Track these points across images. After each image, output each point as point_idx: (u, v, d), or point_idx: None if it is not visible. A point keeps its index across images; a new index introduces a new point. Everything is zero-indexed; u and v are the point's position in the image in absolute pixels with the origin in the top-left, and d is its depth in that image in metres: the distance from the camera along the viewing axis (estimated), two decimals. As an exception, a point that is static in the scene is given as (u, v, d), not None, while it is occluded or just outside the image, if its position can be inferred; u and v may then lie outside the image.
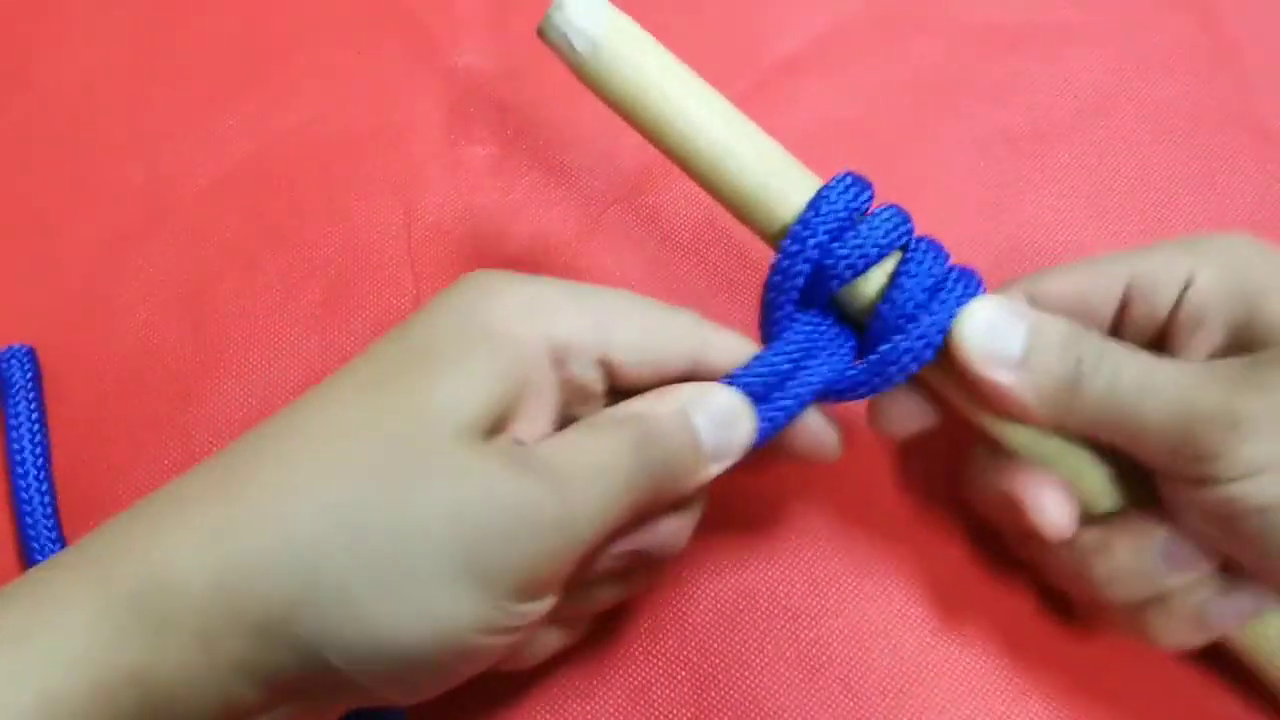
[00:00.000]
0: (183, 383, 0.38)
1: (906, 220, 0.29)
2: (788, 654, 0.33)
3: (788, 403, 0.28)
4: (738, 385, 0.28)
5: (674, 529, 0.28)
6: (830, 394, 0.29)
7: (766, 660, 0.33)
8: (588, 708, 0.33)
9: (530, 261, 0.39)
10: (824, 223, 0.28)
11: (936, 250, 0.29)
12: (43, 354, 0.38)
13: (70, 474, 0.36)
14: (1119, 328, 0.30)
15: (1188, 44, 0.43)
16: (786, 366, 0.28)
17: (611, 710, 0.33)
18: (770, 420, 0.28)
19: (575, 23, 0.27)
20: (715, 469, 0.28)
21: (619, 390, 0.28)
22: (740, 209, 0.29)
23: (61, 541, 0.35)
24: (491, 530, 0.24)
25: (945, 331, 0.28)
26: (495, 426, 0.25)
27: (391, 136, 0.42)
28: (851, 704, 0.32)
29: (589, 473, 0.25)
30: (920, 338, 0.28)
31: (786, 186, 0.28)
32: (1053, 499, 0.29)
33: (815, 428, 0.29)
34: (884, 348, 0.28)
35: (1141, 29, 0.43)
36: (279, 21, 0.44)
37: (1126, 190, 0.40)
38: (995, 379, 0.27)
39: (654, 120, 0.28)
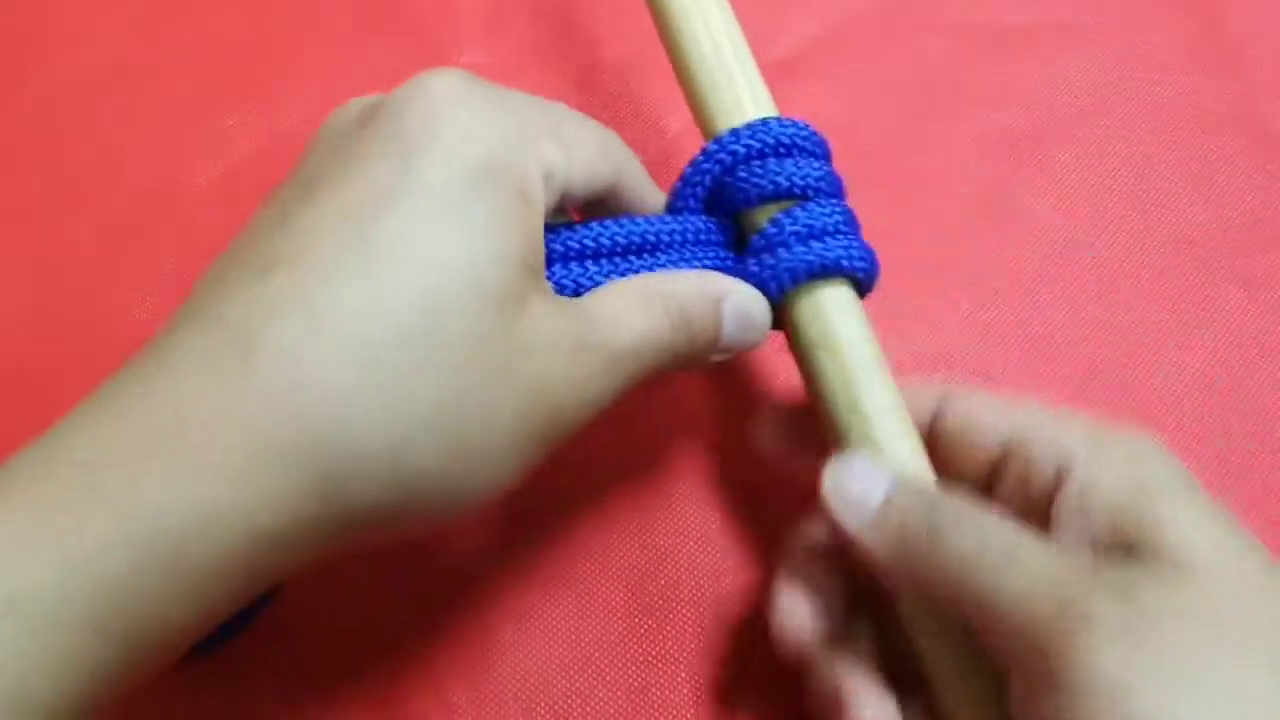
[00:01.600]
0: (183, 383, 0.38)
1: (819, 172, 0.30)
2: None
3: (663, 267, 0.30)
4: (638, 231, 0.29)
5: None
6: None
7: (767, 662, 0.33)
8: (588, 708, 0.33)
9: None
10: (745, 142, 0.29)
11: (832, 209, 0.30)
12: (43, 354, 0.38)
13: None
14: (996, 483, 0.28)
15: (1188, 44, 0.43)
16: (672, 231, 0.30)
17: (612, 711, 0.33)
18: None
19: None
20: (719, 357, 0.29)
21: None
22: (701, 111, 0.31)
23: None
24: (554, 405, 0.25)
25: (789, 275, 0.29)
26: (525, 268, 0.25)
27: (392, 136, 0.42)
28: (852, 704, 0.33)
29: (631, 350, 0.26)
30: (771, 265, 0.29)
31: (745, 108, 0.30)
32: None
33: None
34: (745, 262, 0.30)
35: (1141, 29, 0.43)
36: (280, 21, 0.44)
37: (1126, 190, 0.40)
38: (849, 527, 0.27)
39: (672, 20, 0.31)
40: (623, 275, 0.28)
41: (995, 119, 0.41)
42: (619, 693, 0.33)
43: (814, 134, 0.30)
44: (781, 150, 0.30)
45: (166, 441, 0.22)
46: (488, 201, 0.24)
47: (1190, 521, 0.24)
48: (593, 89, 0.42)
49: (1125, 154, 0.41)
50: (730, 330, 0.29)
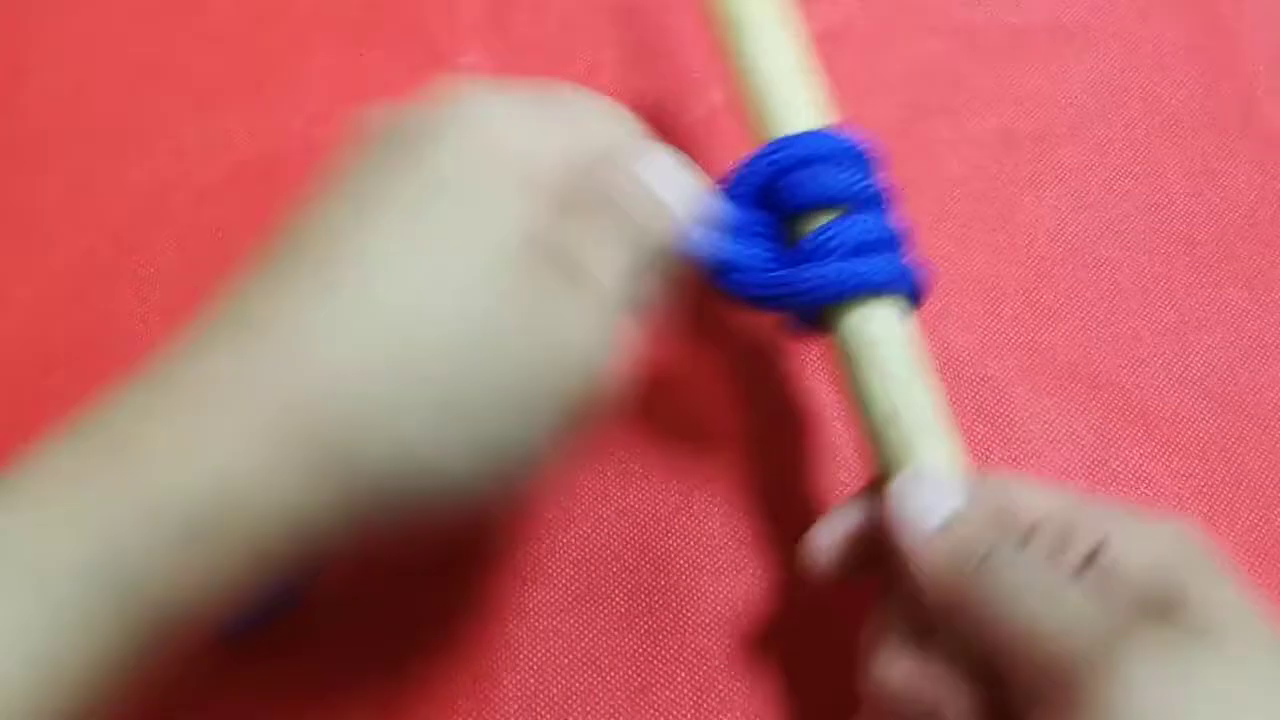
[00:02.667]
0: (183, 383, 0.38)
1: (864, 180, 0.30)
2: (787, 656, 0.33)
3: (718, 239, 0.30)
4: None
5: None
6: (740, 285, 0.30)
7: (766, 662, 0.33)
8: (588, 708, 0.33)
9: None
10: (795, 150, 0.30)
11: (878, 224, 0.30)
12: (43, 354, 0.38)
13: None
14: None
15: (1189, 44, 0.42)
16: (724, 207, 0.30)
17: (612, 711, 0.33)
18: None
19: None
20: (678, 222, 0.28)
21: None
22: (760, 121, 0.31)
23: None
24: (571, 366, 0.25)
25: (843, 287, 0.29)
26: (543, 247, 0.25)
27: (392, 136, 0.42)
28: (852, 705, 0.33)
29: (619, 280, 0.26)
30: (821, 276, 0.29)
31: (797, 119, 0.31)
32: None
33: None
34: (797, 269, 0.30)
35: (1142, 29, 0.43)
36: (281, 21, 0.44)
37: (1127, 191, 0.40)
38: (906, 540, 0.27)
39: (734, 27, 0.31)
40: None
41: (996, 119, 0.41)
42: (619, 693, 0.33)
43: (867, 146, 0.31)
44: (834, 159, 0.30)
45: (185, 419, 0.22)
46: (500, 183, 0.25)
47: (1220, 594, 0.25)
48: (593, 89, 0.42)
49: (1126, 154, 0.41)
50: (664, 189, 0.28)
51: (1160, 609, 0.24)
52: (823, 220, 0.30)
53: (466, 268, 0.24)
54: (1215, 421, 0.36)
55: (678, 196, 0.28)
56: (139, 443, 0.22)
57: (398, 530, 0.25)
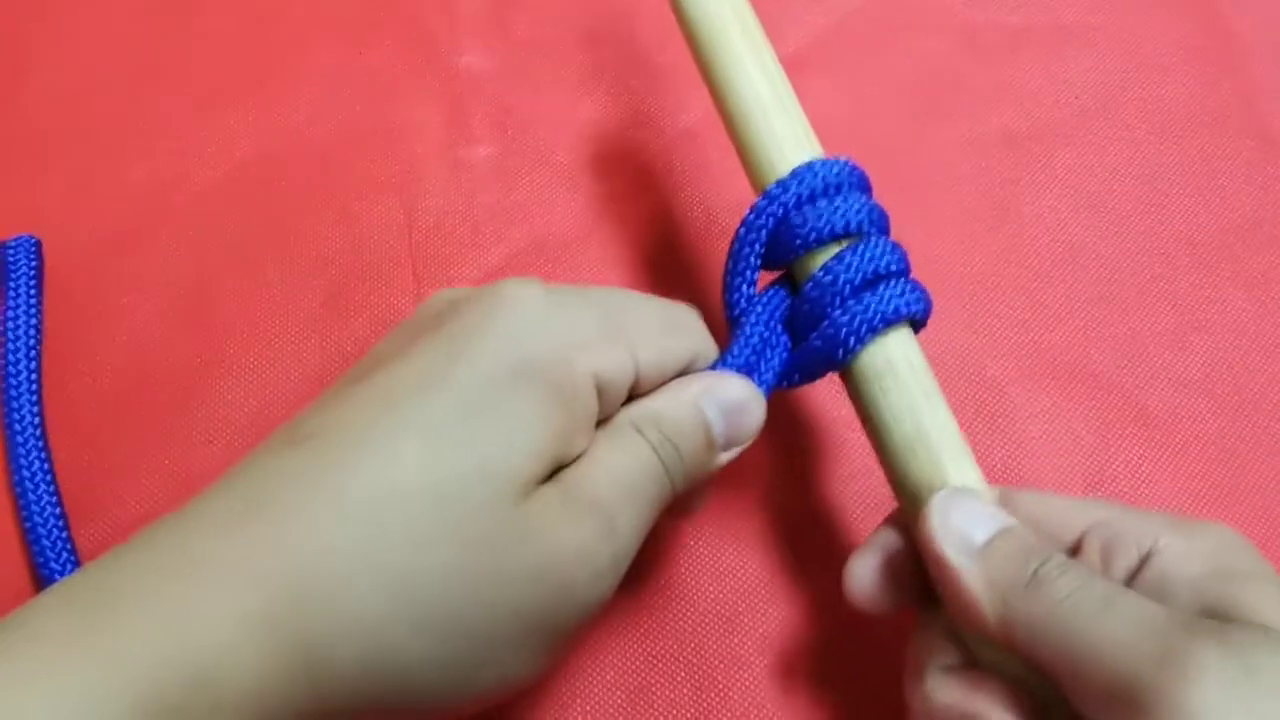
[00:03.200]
0: (183, 383, 0.38)
1: (871, 210, 0.30)
2: (787, 655, 0.33)
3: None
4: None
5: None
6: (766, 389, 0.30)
7: (766, 662, 0.33)
8: (588, 709, 0.33)
9: (531, 262, 0.39)
10: (796, 190, 0.29)
11: (888, 247, 0.29)
12: (43, 354, 0.38)
13: (71, 474, 0.36)
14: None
15: (1189, 44, 0.43)
16: (750, 358, 0.29)
17: (612, 712, 0.33)
18: None
19: None
20: (726, 457, 0.28)
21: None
22: (751, 165, 0.31)
23: (62, 515, 0.36)
24: (564, 584, 0.25)
25: (868, 329, 0.28)
26: (554, 467, 0.25)
27: (393, 136, 0.42)
28: (851, 706, 0.33)
29: (626, 495, 0.26)
30: (831, 335, 0.29)
31: (788, 156, 0.30)
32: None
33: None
34: (811, 340, 0.29)
35: (1142, 29, 0.43)
36: (280, 21, 0.44)
37: (1127, 191, 0.40)
38: (950, 559, 0.26)
39: (711, 62, 0.31)
40: None
41: (996, 119, 0.41)
42: (619, 693, 0.33)
43: (855, 170, 0.30)
44: (829, 191, 0.30)
45: (167, 593, 0.22)
46: (521, 399, 0.25)
47: (1274, 600, 0.24)
48: (593, 89, 0.42)
49: (1126, 154, 0.41)
50: (721, 426, 0.28)
51: (1218, 612, 0.24)
52: (822, 258, 0.29)
53: (480, 490, 0.24)
54: (1215, 421, 0.36)
55: (736, 432, 0.28)
56: (114, 617, 0.22)
57: None
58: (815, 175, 0.30)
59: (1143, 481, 0.36)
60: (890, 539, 0.29)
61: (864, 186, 0.31)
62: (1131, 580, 0.26)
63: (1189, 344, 0.38)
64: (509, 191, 0.41)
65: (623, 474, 0.26)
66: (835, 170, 0.30)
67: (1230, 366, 0.37)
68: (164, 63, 0.44)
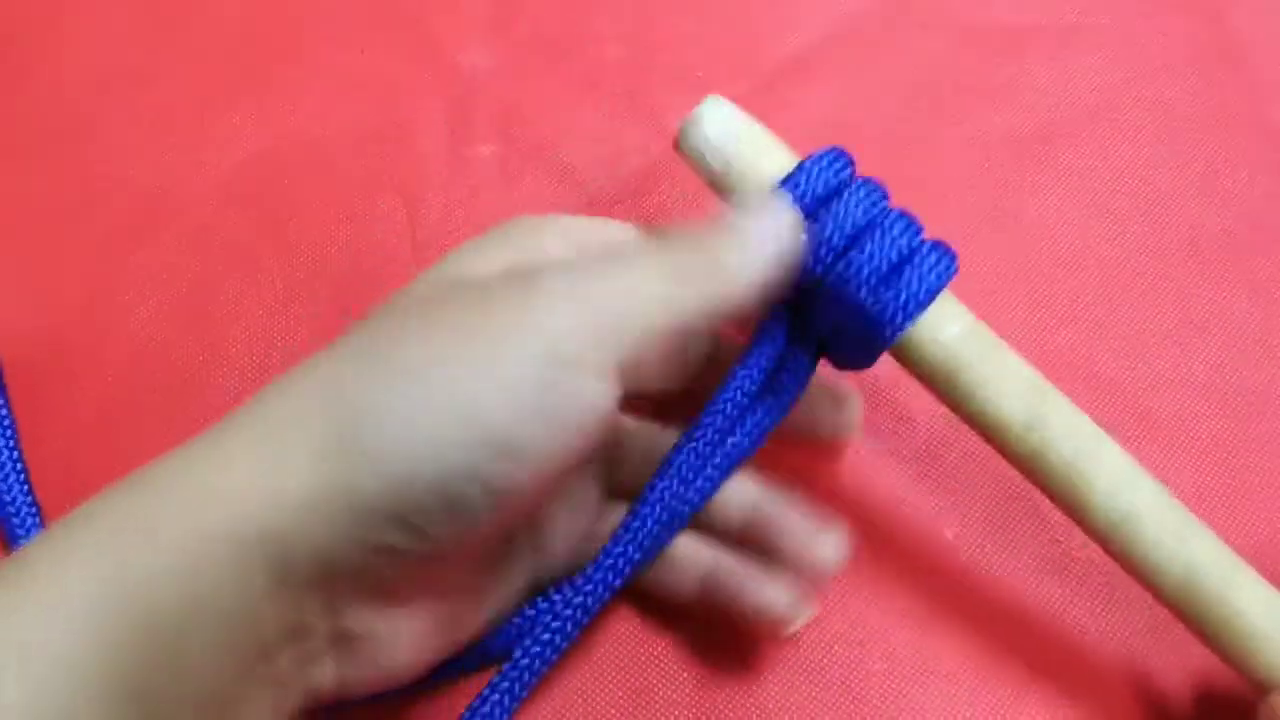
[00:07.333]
0: (184, 382, 0.38)
1: (882, 194, 0.30)
2: (787, 656, 0.33)
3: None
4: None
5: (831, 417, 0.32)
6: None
7: (766, 662, 0.33)
8: (588, 709, 0.33)
9: (532, 261, 0.39)
10: (804, 193, 0.29)
11: (906, 222, 0.30)
12: (43, 354, 0.38)
13: (71, 474, 0.36)
14: None
15: (1193, 44, 0.42)
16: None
17: (612, 712, 0.33)
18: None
19: (709, 138, 0.29)
20: (756, 266, 0.28)
21: None
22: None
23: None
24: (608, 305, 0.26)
25: (918, 309, 0.29)
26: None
27: (395, 136, 0.42)
28: (851, 705, 0.32)
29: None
30: (894, 315, 0.29)
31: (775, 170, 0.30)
32: None
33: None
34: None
35: (1146, 29, 0.43)
36: (282, 21, 0.44)
37: (1130, 192, 0.40)
38: None
39: None
40: None
41: (999, 119, 0.41)
42: (619, 693, 0.33)
43: (836, 150, 0.30)
44: (839, 184, 0.30)
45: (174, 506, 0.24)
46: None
47: None
48: (593, 89, 0.42)
49: (1129, 155, 0.41)
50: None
51: None
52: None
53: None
54: (1216, 422, 0.36)
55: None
56: (127, 532, 0.23)
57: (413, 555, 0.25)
58: (812, 176, 0.30)
59: (1145, 483, 0.36)
60: None
61: (850, 168, 0.30)
62: None
63: (1191, 344, 0.37)
64: (512, 191, 0.41)
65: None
66: (829, 163, 0.30)
67: (1234, 368, 0.37)
68: (165, 62, 0.44)
